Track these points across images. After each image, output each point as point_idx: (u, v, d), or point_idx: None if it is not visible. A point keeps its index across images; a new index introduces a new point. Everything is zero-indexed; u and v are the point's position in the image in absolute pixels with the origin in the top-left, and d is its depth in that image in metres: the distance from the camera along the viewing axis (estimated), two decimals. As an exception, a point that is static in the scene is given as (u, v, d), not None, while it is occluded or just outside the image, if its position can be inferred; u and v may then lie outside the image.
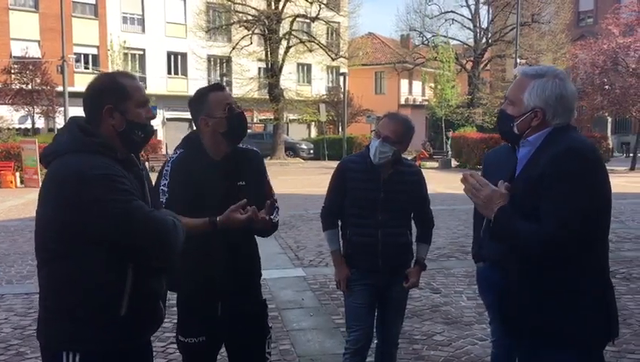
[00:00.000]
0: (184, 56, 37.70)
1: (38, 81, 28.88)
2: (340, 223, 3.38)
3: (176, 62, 38.38)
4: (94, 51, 35.07)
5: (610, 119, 33.49)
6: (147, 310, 2.11)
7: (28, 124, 31.04)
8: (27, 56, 29.74)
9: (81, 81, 32.79)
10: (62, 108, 24.57)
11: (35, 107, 29.54)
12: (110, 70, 30.87)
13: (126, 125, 2.05)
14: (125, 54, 33.57)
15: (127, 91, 2.05)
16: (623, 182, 17.36)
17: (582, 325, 2.04)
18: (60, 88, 25.51)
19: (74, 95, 27.91)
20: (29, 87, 28.75)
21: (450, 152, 29.91)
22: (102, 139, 2.02)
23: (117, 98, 2.04)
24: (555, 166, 1.98)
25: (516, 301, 2.16)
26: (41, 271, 2.07)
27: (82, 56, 34.43)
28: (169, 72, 37.60)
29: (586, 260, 2.03)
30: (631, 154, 27.50)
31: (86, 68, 34.69)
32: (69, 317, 1.99)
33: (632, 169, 24.45)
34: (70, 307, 1.99)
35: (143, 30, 36.78)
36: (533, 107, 2.11)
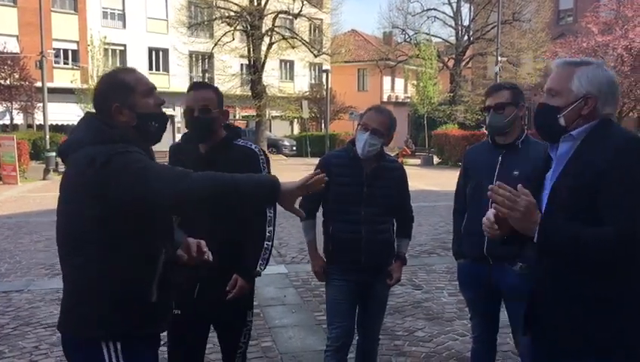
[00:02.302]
0: (165, 52, 37.39)
1: (17, 76, 28.39)
2: (323, 218, 3.38)
3: (158, 58, 38.06)
4: (74, 46, 34.61)
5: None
6: (169, 298, 2.16)
7: (6, 120, 30.55)
8: (5, 51, 29.20)
9: (61, 77, 32.42)
10: (41, 104, 24.19)
11: (13, 103, 29.07)
12: (90, 66, 30.61)
13: (137, 119, 2.06)
14: (106, 50, 33.11)
15: (129, 85, 2.07)
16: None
17: (627, 333, 1.92)
18: (38, 84, 25.09)
19: (53, 91, 27.60)
20: (8, 82, 28.27)
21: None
22: (122, 130, 2.03)
23: (121, 94, 2.05)
24: (618, 160, 1.87)
25: (558, 310, 2.01)
26: (71, 262, 2.02)
27: (62, 51, 33.94)
28: (150, 68, 37.22)
29: (634, 263, 1.90)
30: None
31: (65, 63, 34.22)
32: (106, 306, 1.98)
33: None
34: (107, 296, 1.98)
35: (124, 25, 36.40)
36: (584, 94, 2.00)
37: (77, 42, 34.47)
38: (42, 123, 24.00)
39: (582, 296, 1.95)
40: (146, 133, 2.11)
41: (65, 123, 31.20)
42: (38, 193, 15.81)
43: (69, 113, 30.62)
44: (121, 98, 2.05)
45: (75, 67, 33.64)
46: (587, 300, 1.94)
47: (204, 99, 2.88)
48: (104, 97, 2.07)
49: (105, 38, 31.87)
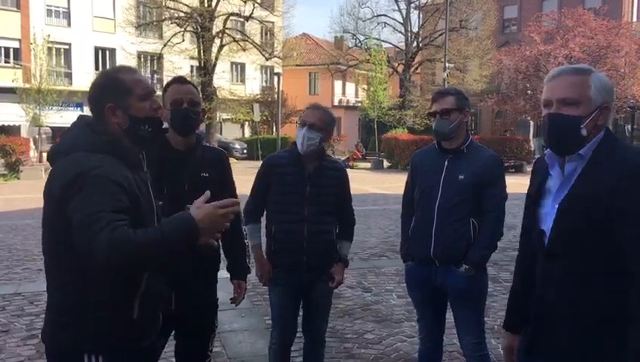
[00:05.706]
0: (112, 51, 36.47)
1: (-46, 74, 27.24)
2: (265, 220, 3.38)
3: (105, 58, 37.07)
4: (16, 45, 33.32)
5: (532, 122, 35.04)
6: (155, 311, 2.13)
7: (-58, 120, 29.21)
8: (-59, 47, 27.97)
9: (1, 76, 31.19)
10: (-21, 104, 23.27)
11: (-51, 102, 27.85)
12: (33, 65, 29.58)
13: (130, 122, 2.00)
14: (49, 48, 32.06)
15: (127, 86, 2.01)
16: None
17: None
18: (-23, 83, 24.15)
19: (-7, 90, 26.58)
20: (-57, 80, 27.07)
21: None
22: (112, 137, 1.98)
23: (117, 95, 1.99)
24: (634, 185, 1.74)
25: (562, 327, 1.90)
26: (52, 273, 1.99)
27: (3, 49, 32.70)
28: (97, 68, 36.18)
29: None
30: (551, 156, 28.86)
31: (6, 62, 32.95)
32: (89, 318, 1.94)
33: (552, 170, 25.67)
34: (87, 311, 1.93)
35: (69, 24, 35.31)
36: (601, 103, 1.87)
37: (19, 40, 33.20)
38: (-19, 123, 23.08)
39: (592, 314, 1.83)
40: (138, 137, 2.04)
41: (6, 123, 30.03)
42: (-24, 196, 15.15)
43: (9, 113, 29.49)
44: (116, 98, 1.99)
45: (16, 66, 32.42)
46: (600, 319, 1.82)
47: (191, 92, 2.88)
48: (99, 96, 2.02)
49: (49, 36, 30.86)
